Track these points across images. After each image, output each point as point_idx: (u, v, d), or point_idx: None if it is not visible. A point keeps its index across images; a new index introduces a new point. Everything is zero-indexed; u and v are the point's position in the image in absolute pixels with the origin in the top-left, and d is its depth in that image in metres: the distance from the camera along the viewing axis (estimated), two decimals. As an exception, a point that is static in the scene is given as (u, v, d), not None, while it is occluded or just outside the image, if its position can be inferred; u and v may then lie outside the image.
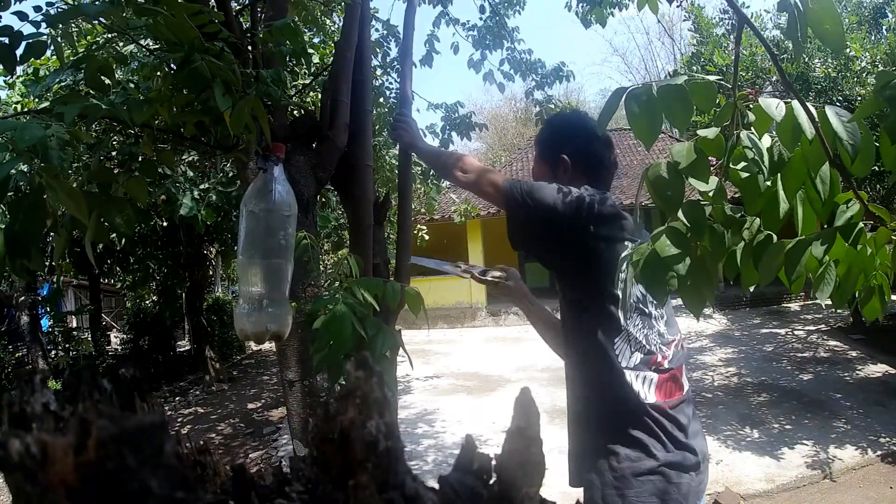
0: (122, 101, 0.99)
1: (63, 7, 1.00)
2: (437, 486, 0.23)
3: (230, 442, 5.34)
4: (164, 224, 5.72)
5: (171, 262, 7.32)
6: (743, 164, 0.75)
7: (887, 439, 4.24)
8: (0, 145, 0.80)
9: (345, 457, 0.21)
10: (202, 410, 6.50)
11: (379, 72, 3.75)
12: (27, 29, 0.96)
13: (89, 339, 8.52)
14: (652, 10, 1.50)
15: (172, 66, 1.07)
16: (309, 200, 1.40)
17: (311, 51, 3.21)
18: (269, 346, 8.17)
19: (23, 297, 6.98)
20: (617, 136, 14.73)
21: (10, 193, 0.84)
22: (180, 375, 8.26)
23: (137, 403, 0.24)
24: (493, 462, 0.23)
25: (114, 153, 3.31)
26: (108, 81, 1.05)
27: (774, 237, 0.79)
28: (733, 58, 0.82)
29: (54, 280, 7.56)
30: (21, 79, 4.29)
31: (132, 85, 1.21)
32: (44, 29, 1.01)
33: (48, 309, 7.66)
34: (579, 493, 1.17)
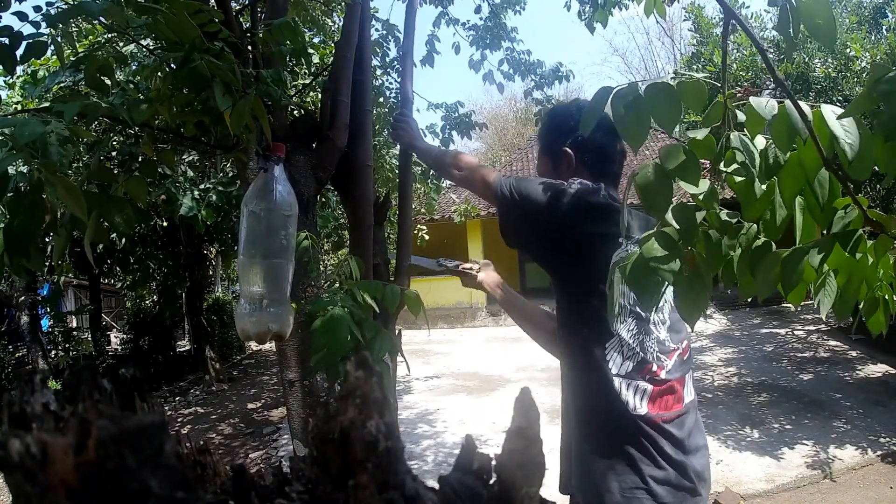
0: (122, 101, 0.99)
1: (63, 7, 1.00)
2: (437, 486, 0.23)
3: (230, 442, 5.34)
4: (164, 224, 5.73)
5: (171, 262, 7.32)
6: (734, 166, 0.72)
7: (887, 439, 4.24)
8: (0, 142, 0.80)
9: (345, 457, 0.21)
10: (202, 410, 6.50)
11: (379, 72, 3.75)
12: (27, 29, 0.96)
13: (89, 339, 8.52)
14: (659, 14, 1.49)
15: (172, 65, 1.07)
16: (309, 200, 1.40)
17: (311, 51, 3.21)
18: (269, 346, 8.16)
19: (23, 297, 6.98)
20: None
21: (9, 193, 0.84)
22: (180, 375, 8.26)
23: (137, 403, 0.24)
24: (493, 462, 0.23)
25: (114, 153, 3.31)
26: (108, 82, 1.06)
27: (773, 245, 0.76)
28: (721, 54, 0.80)
29: (54, 280, 7.56)
30: (21, 79, 4.29)
31: (132, 86, 1.21)
32: (44, 29, 1.01)
33: (48, 309, 7.67)
34: None
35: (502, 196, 1.20)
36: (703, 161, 0.73)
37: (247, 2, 1.99)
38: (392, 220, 3.05)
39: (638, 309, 1.09)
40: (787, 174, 0.72)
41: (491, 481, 0.23)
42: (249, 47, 1.32)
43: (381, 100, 3.57)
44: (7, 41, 0.93)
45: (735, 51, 5.73)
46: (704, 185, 0.74)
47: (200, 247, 7.36)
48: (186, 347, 9.57)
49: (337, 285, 1.27)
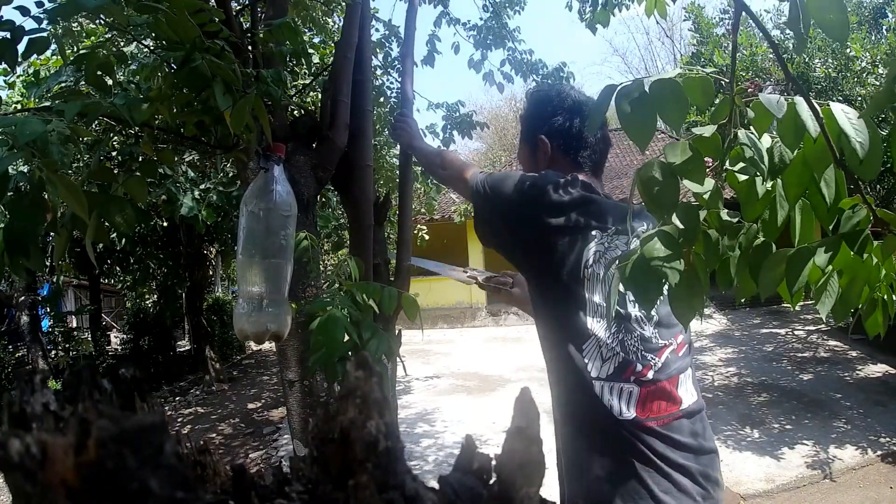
0: (123, 100, 0.99)
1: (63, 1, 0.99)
2: (437, 486, 0.23)
3: (230, 442, 5.34)
4: (164, 224, 5.73)
5: (171, 262, 7.33)
6: (741, 165, 0.70)
7: (887, 439, 4.24)
8: (0, 141, 0.80)
9: (345, 457, 0.21)
10: (202, 410, 6.50)
11: (379, 72, 3.75)
12: (29, 24, 0.95)
13: (89, 339, 8.52)
14: (660, 14, 1.48)
15: (173, 65, 1.07)
16: (309, 200, 1.40)
17: (311, 51, 3.21)
18: (269, 346, 8.17)
19: (23, 297, 6.98)
20: (616, 136, 14.70)
21: (9, 193, 0.84)
22: (180, 375, 8.27)
23: (137, 403, 0.24)
24: (493, 462, 0.23)
25: (114, 153, 3.31)
26: (109, 81, 1.06)
27: (774, 245, 0.74)
28: (730, 51, 0.79)
29: (54, 280, 7.57)
30: (21, 79, 4.29)
31: (133, 86, 1.21)
32: (45, 25, 1.00)
33: (48, 309, 7.67)
34: None
35: (476, 192, 1.17)
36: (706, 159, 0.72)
37: (247, 2, 1.99)
38: (392, 220, 3.05)
39: (618, 307, 1.01)
40: (792, 173, 0.70)
41: (491, 481, 0.23)
42: (249, 47, 1.32)
43: (382, 100, 3.57)
44: (9, 35, 0.92)
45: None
46: (709, 183, 0.72)
47: (200, 247, 7.36)
48: (186, 347, 9.57)
49: (336, 286, 1.27)
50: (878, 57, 5.69)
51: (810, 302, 0.76)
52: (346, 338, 1.11)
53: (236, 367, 8.94)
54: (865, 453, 4.06)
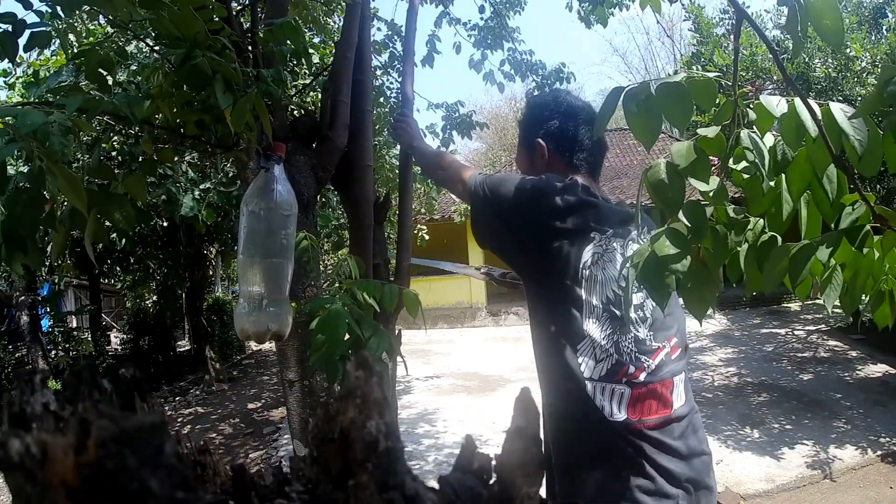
0: (124, 97, 0.99)
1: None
2: (437, 486, 0.23)
3: (230, 442, 5.34)
4: (164, 224, 5.73)
5: (171, 262, 7.33)
6: (743, 164, 0.73)
7: (887, 439, 4.24)
8: (0, 131, 0.80)
9: (345, 457, 0.21)
10: (202, 410, 6.50)
11: (379, 72, 3.75)
12: (31, 18, 0.94)
13: (89, 339, 8.52)
14: (654, 9, 1.48)
15: (173, 65, 1.07)
16: (309, 200, 1.40)
17: (311, 51, 3.21)
18: (269, 346, 8.17)
19: (23, 297, 6.98)
20: (617, 136, 14.70)
21: (8, 192, 0.84)
22: (180, 375, 8.27)
23: (137, 403, 0.24)
24: (493, 462, 0.23)
25: (114, 153, 3.31)
26: (109, 80, 1.05)
27: (779, 239, 0.76)
28: (733, 54, 0.81)
29: (54, 280, 7.57)
30: (21, 80, 4.29)
31: (133, 85, 1.21)
32: (47, 20, 1.00)
33: (48, 309, 7.67)
34: None
35: (474, 193, 1.17)
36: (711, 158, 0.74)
37: (247, 2, 1.99)
38: (392, 220, 3.05)
39: (613, 307, 1.02)
40: (795, 170, 0.72)
41: (491, 481, 0.23)
42: (249, 47, 1.32)
43: (382, 100, 3.57)
44: (10, 28, 0.92)
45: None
46: (714, 182, 0.74)
47: (200, 247, 7.36)
48: (186, 347, 9.57)
49: (337, 285, 1.27)
50: (878, 57, 5.69)
51: (810, 302, 0.78)
52: (348, 336, 1.11)
53: (236, 367, 8.94)
54: (865, 453, 4.06)
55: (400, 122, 1.53)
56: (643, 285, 0.77)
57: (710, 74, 0.70)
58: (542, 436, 0.23)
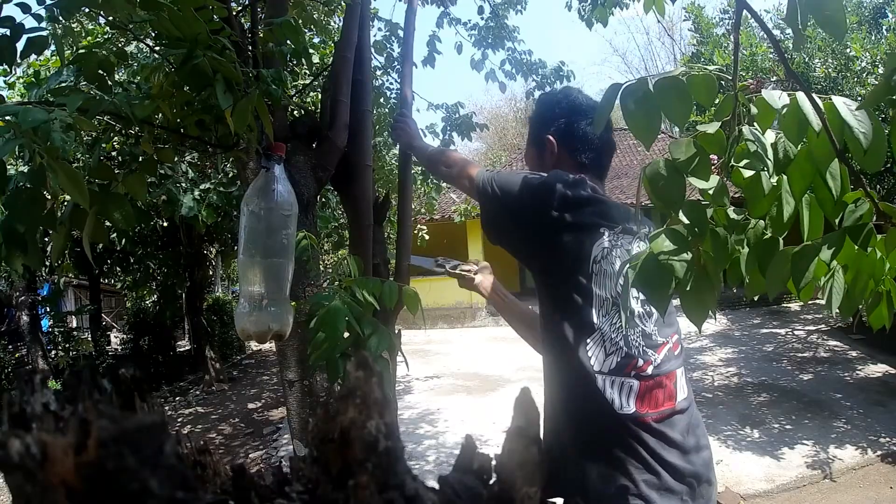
0: (123, 97, 0.99)
1: None
2: (437, 486, 0.23)
3: (230, 442, 5.34)
4: (164, 224, 5.73)
5: (171, 262, 7.32)
6: (745, 161, 0.71)
7: (887, 439, 4.24)
8: (1, 128, 0.79)
9: (345, 457, 0.21)
10: (202, 410, 6.50)
11: (379, 72, 3.75)
12: (30, 22, 0.94)
13: (89, 339, 8.52)
14: (658, 12, 1.47)
15: (173, 65, 1.07)
16: (309, 200, 1.40)
17: (311, 51, 3.21)
18: (268, 345, 8.17)
19: (23, 297, 6.98)
20: (617, 136, 14.65)
21: (9, 188, 0.84)
22: (180, 375, 8.27)
23: (137, 403, 0.24)
24: (493, 462, 0.23)
25: (114, 153, 3.31)
26: (109, 81, 1.05)
27: (781, 241, 0.75)
28: (732, 48, 0.79)
29: (54, 280, 7.57)
30: (21, 80, 4.29)
31: (133, 86, 1.21)
32: (45, 24, 0.99)
33: (48, 309, 7.67)
34: None
35: (483, 190, 1.17)
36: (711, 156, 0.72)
37: (247, 2, 1.99)
38: (392, 220, 3.05)
39: (621, 301, 1.03)
40: (797, 167, 0.71)
41: (491, 481, 0.23)
42: (250, 47, 1.32)
43: (382, 100, 3.57)
44: (8, 33, 0.91)
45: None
46: (714, 180, 0.73)
47: (200, 247, 7.36)
48: (186, 347, 9.57)
49: (336, 283, 1.27)
50: (878, 57, 5.68)
51: (810, 302, 0.77)
52: (347, 333, 1.11)
53: (236, 367, 8.94)
54: (865, 453, 4.05)
55: (400, 123, 1.53)
56: (642, 291, 0.75)
57: (711, 68, 0.69)
58: (541, 435, 0.23)
